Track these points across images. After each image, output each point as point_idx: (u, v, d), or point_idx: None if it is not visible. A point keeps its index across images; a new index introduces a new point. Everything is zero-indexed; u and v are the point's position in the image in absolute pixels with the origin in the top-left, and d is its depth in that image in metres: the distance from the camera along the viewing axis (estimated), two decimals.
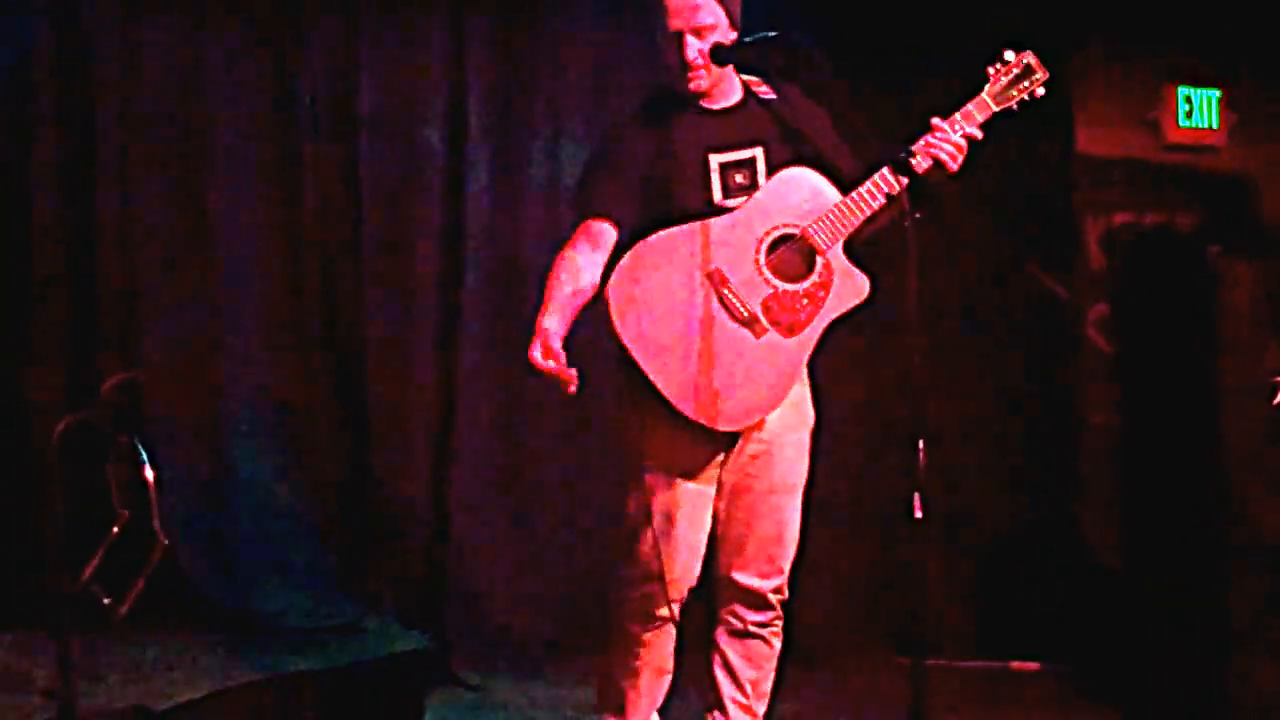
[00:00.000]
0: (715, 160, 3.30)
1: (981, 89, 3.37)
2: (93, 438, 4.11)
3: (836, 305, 3.28)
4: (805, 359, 3.30)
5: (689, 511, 3.31)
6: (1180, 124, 5.79)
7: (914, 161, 3.13)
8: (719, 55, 3.26)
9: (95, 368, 4.70)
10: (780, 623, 3.46)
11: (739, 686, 3.45)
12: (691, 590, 3.40)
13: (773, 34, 3.19)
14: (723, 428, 3.23)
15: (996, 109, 3.36)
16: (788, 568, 3.43)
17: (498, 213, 5.26)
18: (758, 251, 3.25)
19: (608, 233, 3.29)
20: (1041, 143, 5.58)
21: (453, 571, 5.14)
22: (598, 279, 3.25)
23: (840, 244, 3.27)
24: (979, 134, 3.32)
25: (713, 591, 3.45)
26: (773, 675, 3.49)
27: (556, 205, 5.18)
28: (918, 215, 2.99)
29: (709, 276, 3.22)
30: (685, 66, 3.26)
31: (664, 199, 3.28)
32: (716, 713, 3.47)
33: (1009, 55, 3.40)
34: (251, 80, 5.03)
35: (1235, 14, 5.38)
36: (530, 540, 5.26)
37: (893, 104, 5.16)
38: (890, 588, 5.41)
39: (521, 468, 5.23)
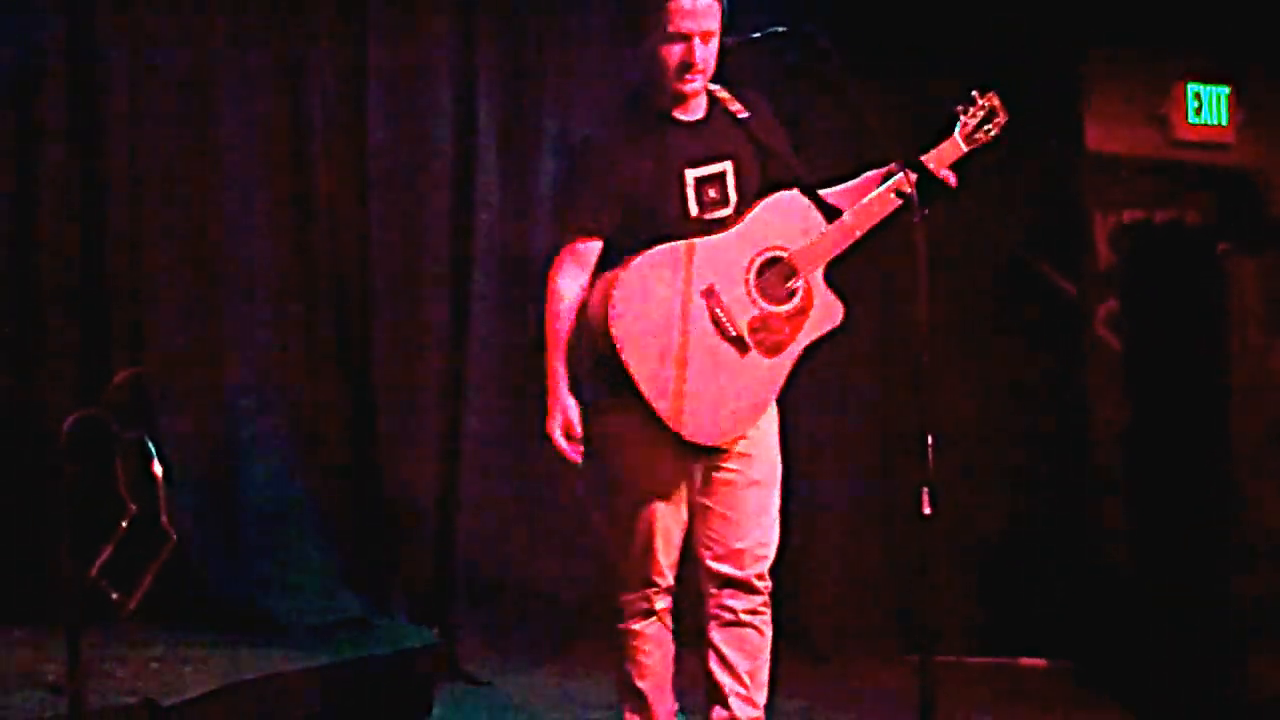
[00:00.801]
0: (690, 175, 3.35)
1: (953, 130, 3.47)
2: (101, 433, 4.09)
3: (813, 330, 3.38)
4: (783, 379, 3.38)
5: (665, 513, 3.39)
6: (1190, 121, 5.79)
7: (891, 198, 3.29)
8: (725, 53, 3.29)
9: (104, 364, 4.70)
10: (768, 610, 3.49)
11: (737, 678, 3.46)
12: (676, 580, 3.48)
13: (782, 28, 3.21)
14: (708, 443, 3.31)
15: (966, 150, 3.47)
16: (771, 555, 3.47)
17: (506, 210, 5.26)
18: (748, 272, 3.33)
19: (592, 250, 3.37)
20: (1051, 139, 5.57)
21: (460, 568, 5.14)
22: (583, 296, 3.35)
23: (821, 269, 3.37)
24: (951, 177, 3.42)
25: (700, 588, 3.49)
26: (768, 664, 3.51)
27: None
28: (925, 212, 3.01)
29: (705, 293, 3.29)
30: (688, 68, 3.28)
31: (642, 213, 3.33)
32: (718, 708, 3.48)
33: (976, 96, 3.51)
34: (260, 79, 5.03)
35: (1244, 11, 5.37)
36: (538, 536, 5.26)
37: (903, 100, 5.18)
38: (898, 584, 5.42)
39: (529, 464, 5.22)
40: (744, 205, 3.37)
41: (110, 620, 3.90)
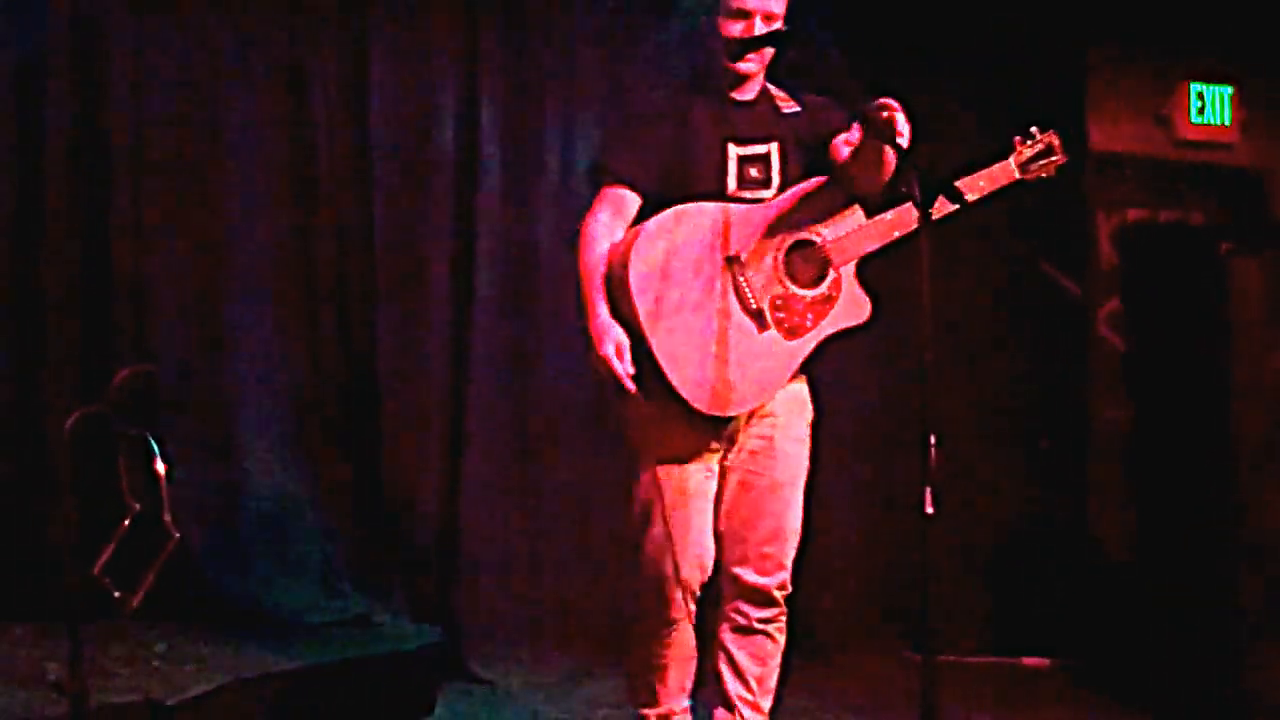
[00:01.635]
0: (734, 151, 3.33)
1: (1007, 156, 3.45)
2: (103, 431, 4.09)
3: (837, 321, 3.34)
4: (797, 365, 3.33)
5: (693, 509, 3.32)
6: (1193, 120, 5.79)
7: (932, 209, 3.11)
8: (732, 50, 3.28)
9: (107, 362, 4.70)
10: (784, 618, 3.46)
11: (745, 684, 3.45)
12: (702, 586, 3.40)
13: (785, 29, 3.22)
14: (711, 411, 3.23)
15: (1018, 177, 3.45)
16: (790, 563, 3.43)
17: (509, 212, 5.26)
18: (779, 249, 3.29)
19: (629, 199, 3.31)
20: (1038, 185, 5.56)
21: (463, 566, 5.14)
22: None
23: (854, 263, 3.34)
24: (989, 193, 3.41)
25: (717, 589, 3.45)
26: (778, 670, 3.49)
27: (569, 206, 5.18)
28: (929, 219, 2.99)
29: (729, 259, 3.25)
30: (747, 46, 3.27)
31: (680, 181, 3.30)
32: (721, 709, 3.47)
33: (1034, 131, 3.48)
34: (264, 79, 5.03)
35: (1247, 11, 5.37)
36: (541, 535, 5.26)
37: (905, 101, 5.17)
38: (902, 584, 5.41)
39: (532, 463, 5.24)
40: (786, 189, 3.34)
41: (112, 618, 3.90)
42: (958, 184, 3.16)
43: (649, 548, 3.33)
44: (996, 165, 3.42)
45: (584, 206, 3.39)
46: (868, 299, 3.36)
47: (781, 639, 3.46)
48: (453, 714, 4.44)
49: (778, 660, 3.48)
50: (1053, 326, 5.61)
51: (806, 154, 3.38)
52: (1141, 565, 5.34)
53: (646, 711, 3.49)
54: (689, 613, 3.37)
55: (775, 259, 3.28)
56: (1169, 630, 4.98)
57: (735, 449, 3.36)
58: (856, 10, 5.17)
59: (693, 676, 3.51)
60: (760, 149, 3.34)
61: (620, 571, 3.49)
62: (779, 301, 3.28)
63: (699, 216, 3.26)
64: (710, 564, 3.38)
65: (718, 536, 3.39)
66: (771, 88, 3.43)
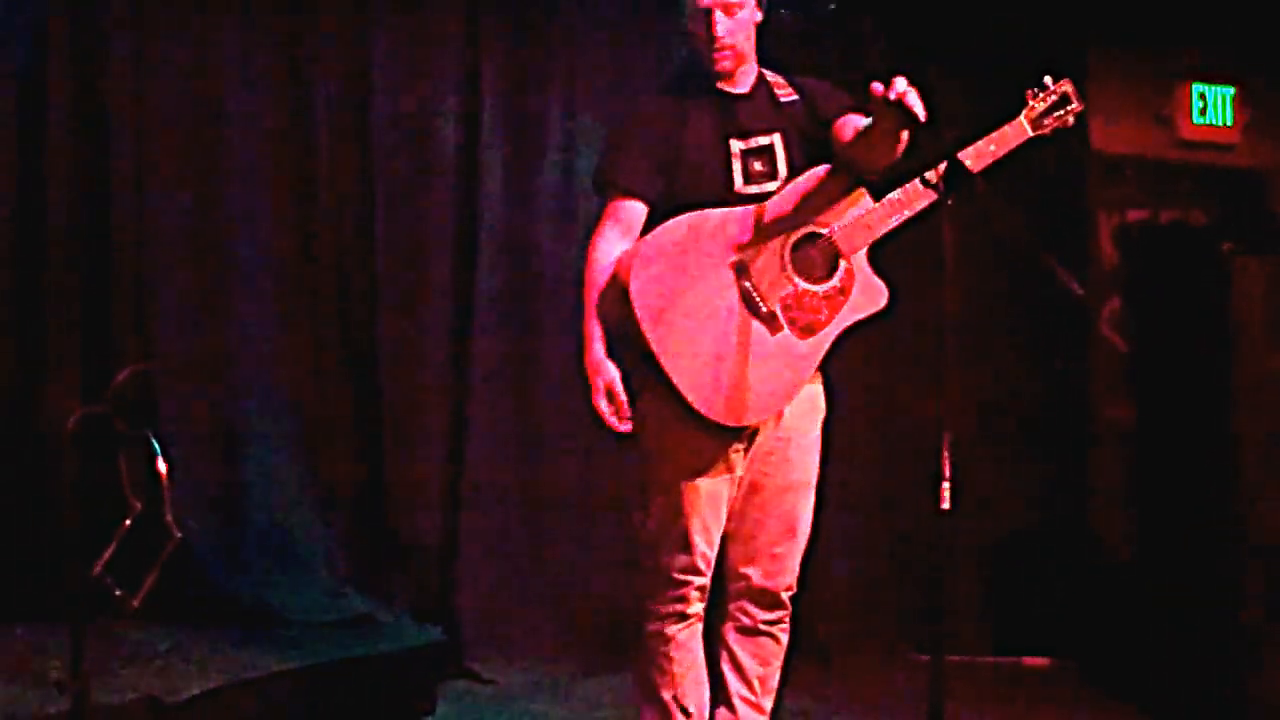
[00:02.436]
0: (736, 146, 3.28)
1: (1019, 113, 3.32)
2: (105, 431, 4.09)
3: (854, 312, 3.25)
4: (817, 362, 3.26)
5: (706, 514, 3.27)
6: (1195, 121, 5.79)
7: (937, 181, 3.08)
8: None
9: (108, 361, 4.69)
10: (789, 619, 3.43)
11: (747, 683, 3.42)
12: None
13: (833, 6, 3.12)
14: (729, 423, 3.17)
15: (1032, 134, 3.31)
16: (798, 565, 3.40)
17: (512, 213, 5.25)
18: (784, 247, 3.21)
19: (637, 210, 3.27)
20: (1054, 138, 5.56)
21: (465, 565, 5.13)
22: None
23: (865, 250, 3.25)
24: (1002, 156, 3.27)
25: (722, 588, 3.41)
26: (780, 670, 3.46)
27: (571, 206, 5.18)
28: (949, 202, 2.94)
29: (733, 267, 3.18)
30: (712, 42, 3.25)
31: (685, 184, 3.25)
32: (723, 709, 3.43)
33: (1048, 81, 3.34)
34: (265, 78, 5.02)
35: (1249, 11, 5.37)
36: (543, 533, 5.26)
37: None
38: (903, 583, 5.41)
39: (534, 463, 5.23)
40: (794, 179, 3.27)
41: (114, 618, 3.89)
42: (962, 154, 3.10)
43: (668, 547, 3.27)
44: (1007, 125, 3.29)
45: (593, 218, 3.35)
46: (883, 285, 3.27)
47: (785, 640, 3.43)
48: (454, 714, 4.44)
49: (780, 662, 3.45)
50: (1055, 326, 5.60)
51: (810, 141, 3.31)
52: (1143, 565, 5.34)
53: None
54: (699, 615, 3.34)
55: (782, 258, 3.20)
56: (1170, 630, 4.98)
57: (752, 449, 3.31)
58: (855, 14, 5.16)
59: (707, 702, 3.40)
60: (763, 141, 3.29)
61: (630, 571, 3.41)
62: (790, 301, 3.20)
63: (697, 225, 3.19)
64: (712, 564, 3.34)
65: (726, 536, 3.35)
66: (769, 75, 3.39)
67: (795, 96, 3.35)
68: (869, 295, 3.27)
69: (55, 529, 4.50)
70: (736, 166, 3.27)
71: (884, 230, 3.23)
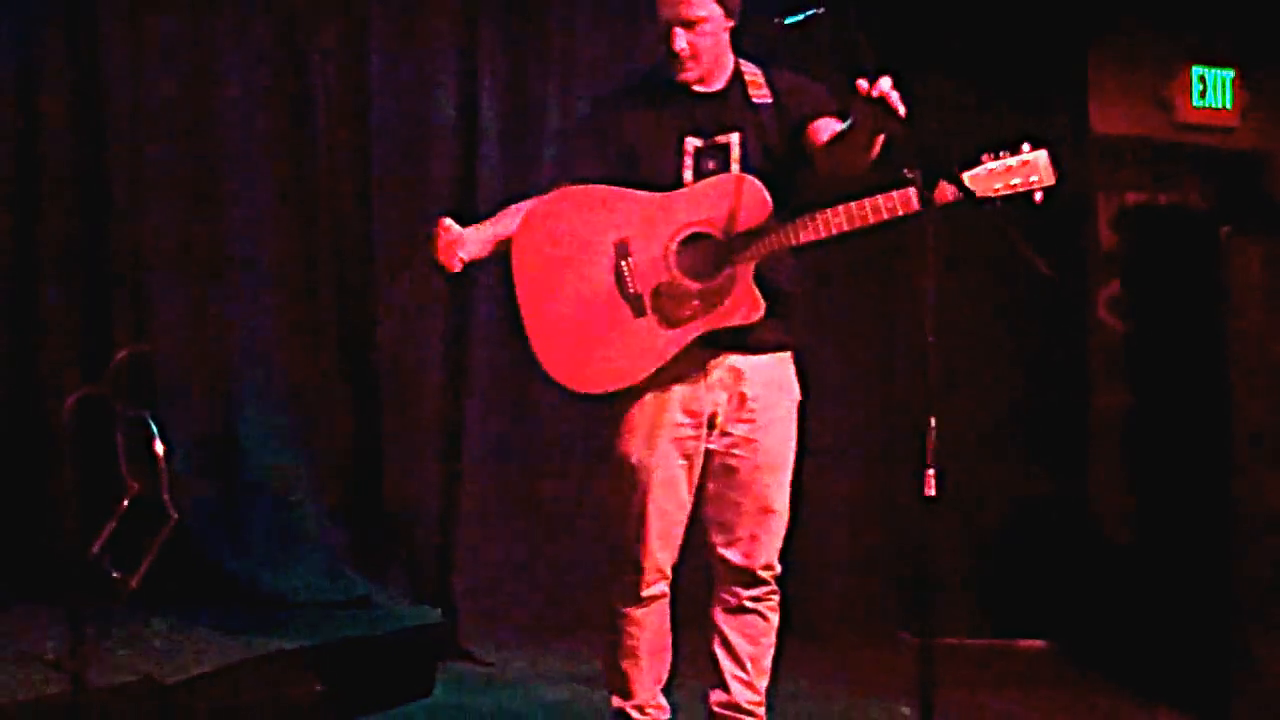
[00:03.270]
0: (690, 143, 3.32)
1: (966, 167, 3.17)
2: (103, 412, 4.10)
3: (723, 318, 3.26)
4: (671, 356, 3.27)
5: (661, 500, 3.35)
6: (1194, 103, 5.78)
7: (865, 214, 3.13)
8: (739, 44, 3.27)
9: (106, 343, 4.70)
10: (776, 597, 3.47)
11: (739, 663, 3.46)
12: (674, 567, 3.44)
13: (820, 9, 3.11)
14: (569, 386, 3.27)
15: (978, 195, 3.12)
16: (778, 544, 3.44)
17: (509, 192, 5.22)
18: (671, 238, 3.26)
19: None
20: (1054, 121, 5.55)
21: (462, 546, 5.14)
22: None
23: (754, 263, 3.25)
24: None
25: (708, 570, 3.47)
26: (772, 650, 3.50)
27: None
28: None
29: (615, 244, 3.26)
30: (674, 56, 3.28)
31: (637, 176, 3.31)
32: (719, 690, 3.48)
33: (1025, 147, 3.19)
34: (262, 63, 5.01)
35: None
36: (540, 515, 5.27)
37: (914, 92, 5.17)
38: (898, 567, 5.42)
39: (531, 444, 5.23)
40: None
41: (112, 599, 3.91)
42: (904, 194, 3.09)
43: (622, 529, 3.39)
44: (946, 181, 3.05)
45: None
46: (761, 301, 3.26)
47: (774, 618, 3.47)
48: (451, 695, 4.45)
49: (771, 640, 3.49)
50: (1052, 309, 5.59)
51: (776, 142, 3.32)
52: (1140, 547, 5.35)
53: (620, 702, 3.53)
54: (661, 594, 3.44)
55: (667, 248, 3.25)
56: (1166, 613, 4.99)
57: (717, 433, 3.37)
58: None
59: (667, 669, 3.55)
60: (721, 140, 3.32)
61: (599, 551, 3.49)
62: (661, 289, 3.25)
63: (599, 196, 3.29)
64: (678, 545, 3.42)
65: (704, 520, 3.43)
66: (747, 73, 3.39)
67: (769, 99, 3.36)
68: (744, 306, 3.26)
69: (53, 510, 4.52)
70: (688, 163, 3.31)
71: (778, 247, 3.22)
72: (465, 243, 3.30)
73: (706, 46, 3.29)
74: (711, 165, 3.31)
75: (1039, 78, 5.53)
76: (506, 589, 5.20)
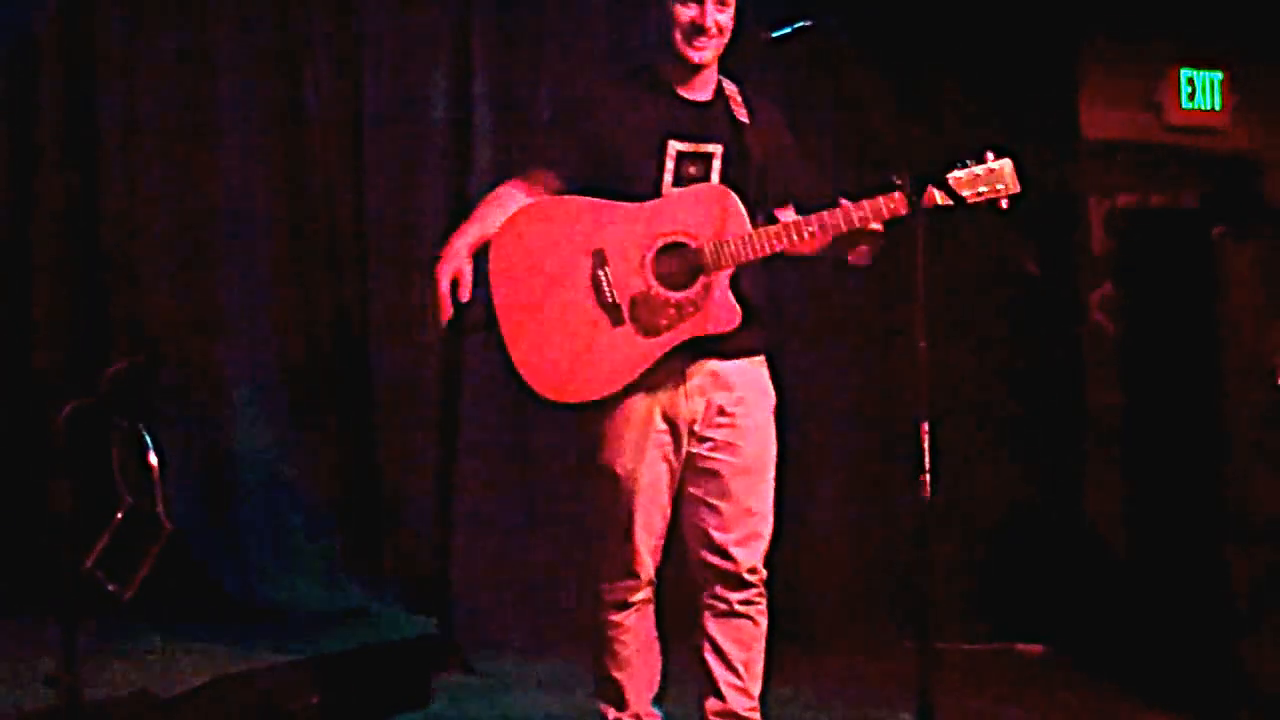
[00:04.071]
0: (674, 146, 3.31)
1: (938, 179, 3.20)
2: (97, 423, 4.09)
3: (699, 327, 3.28)
4: (649, 365, 3.28)
5: (642, 505, 3.36)
6: (1184, 106, 5.78)
7: (838, 222, 3.20)
8: (686, 33, 3.26)
9: (100, 353, 4.69)
10: (763, 600, 3.46)
11: (732, 669, 3.45)
12: (657, 571, 3.46)
13: (809, 23, 3.13)
14: (548, 396, 3.26)
15: (947, 200, 3.20)
16: (763, 547, 3.44)
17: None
18: (648, 248, 3.27)
19: (550, 182, 3.35)
20: (1044, 124, 5.56)
21: (459, 556, 5.13)
22: None
23: (728, 272, 3.27)
24: (879, 228, 3.26)
25: (693, 577, 3.47)
26: (763, 654, 3.49)
27: None
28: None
29: (592, 253, 3.26)
30: (698, 31, 3.27)
31: (615, 171, 3.30)
32: (712, 698, 3.46)
33: (988, 156, 3.26)
34: (257, 62, 5.01)
35: None
36: (537, 524, 5.25)
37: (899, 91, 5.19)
38: (895, 571, 5.42)
39: (527, 453, 5.22)
40: None
41: (107, 611, 3.90)
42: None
43: (609, 537, 3.40)
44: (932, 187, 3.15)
45: None
46: (738, 309, 3.28)
47: (764, 622, 3.47)
48: (449, 705, 4.44)
49: (762, 645, 3.48)
50: (1045, 311, 5.60)
51: (753, 164, 3.34)
52: (1136, 550, 5.34)
53: (615, 713, 3.53)
54: (648, 599, 3.46)
55: (644, 256, 3.26)
56: (1163, 616, 4.98)
57: (696, 438, 3.37)
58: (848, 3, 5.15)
59: (658, 677, 3.55)
60: (705, 148, 3.32)
61: (582, 558, 3.50)
62: (638, 299, 3.26)
63: (569, 207, 3.29)
64: (659, 552, 3.43)
65: (687, 526, 3.43)
66: (729, 90, 3.41)
67: (747, 120, 3.37)
68: (720, 315, 3.28)
69: (47, 522, 4.50)
70: (669, 166, 3.30)
71: (753, 258, 3.26)
72: (465, 269, 3.26)
73: (727, 29, 3.30)
74: (692, 171, 3.31)
75: (1028, 81, 5.54)
76: (504, 599, 5.18)
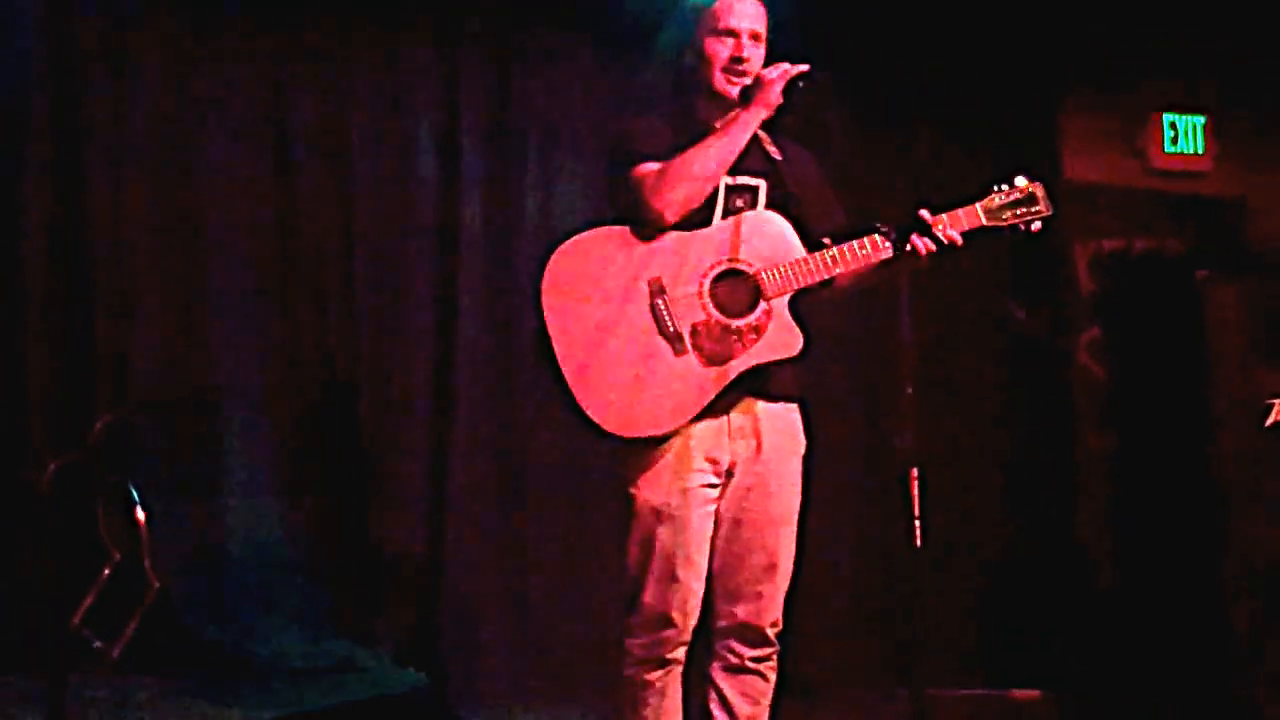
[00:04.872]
0: (724, 180, 3.29)
1: (977, 199, 3.32)
2: (83, 479, 4.07)
3: (764, 353, 3.24)
4: (715, 393, 3.22)
5: (689, 551, 3.24)
6: (1166, 150, 5.83)
7: (888, 243, 3.19)
8: (791, 93, 3.26)
9: (86, 406, 4.66)
10: (776, 656, 3.38)
11: None
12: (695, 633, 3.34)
13: (801, 84, 3.19)
14: (616, 431, 3.16)
15: (985, 224, 3.30)
16: (782, 600, 3.36)
17: (490, 240, 5.24)
18: (705, 275, 3.23)
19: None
20: (1028, 168, 5.59)
21: (448, 610, 5.10)
22: None
23: (787, 296, 3.26)
24: (959, 240, 3.27)
25: (708, 626, 3.37)
26: (769, 711, 3.40)
27: (550, 234, 5.16)
28: (920, 265, 2.97)
29: (649, 283, 3.21)
30: (736, 61, 3.28)
31: None
32: None
33: (1020, 180, 3.35)
34: (244, 125, 5.01)
35: (1219, 42, 5.42)
36: (527, 577, 5.22)
37: (884, 136, 5.22)
38: (890, 618, 5.39)
39: (519, 505, 5.20)
40: None
41: (93, 668, 3.87)
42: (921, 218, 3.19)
43: (650, 585, 3.25)
44: (962, 209, 3.30)
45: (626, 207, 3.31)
46: (800, 333, 3.25)
47: (773, 678, 3.39)
48: None
49: (769, 700, 3.40)
50: (1033, 355, 5.61)
51: (790, 199, 3.33)
52: (1129, 594, 5.33)
53: None
54: (682, 659, 3.31)
55: (701, 285, 3.22)
56: (1158, 660, 4.97)
57: (731, 482, 3.29)
58: (833, 46, 5.18)
59: None
60: (751, 181, 3.31)
61: (618, 615, 3.38)
62: (700, 328, 3.21)
63: (615, 239, 3.24)
64: (699, 607, 3.31)
65: (711, 575, 3.32)
66: (760, 131, 3.39)
67: (780, 156, 3.38)
68: (783, 340, 3.25)
69: (33, 579, 4.47)
70: (720, 198, 3.28)
71: (811, 282, 3.25)
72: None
73: (759, 64, 3.31)
74: (740, 204, 3.29)
75: (1012, 127, 5.58)
76: (494, 651, 5.13)
